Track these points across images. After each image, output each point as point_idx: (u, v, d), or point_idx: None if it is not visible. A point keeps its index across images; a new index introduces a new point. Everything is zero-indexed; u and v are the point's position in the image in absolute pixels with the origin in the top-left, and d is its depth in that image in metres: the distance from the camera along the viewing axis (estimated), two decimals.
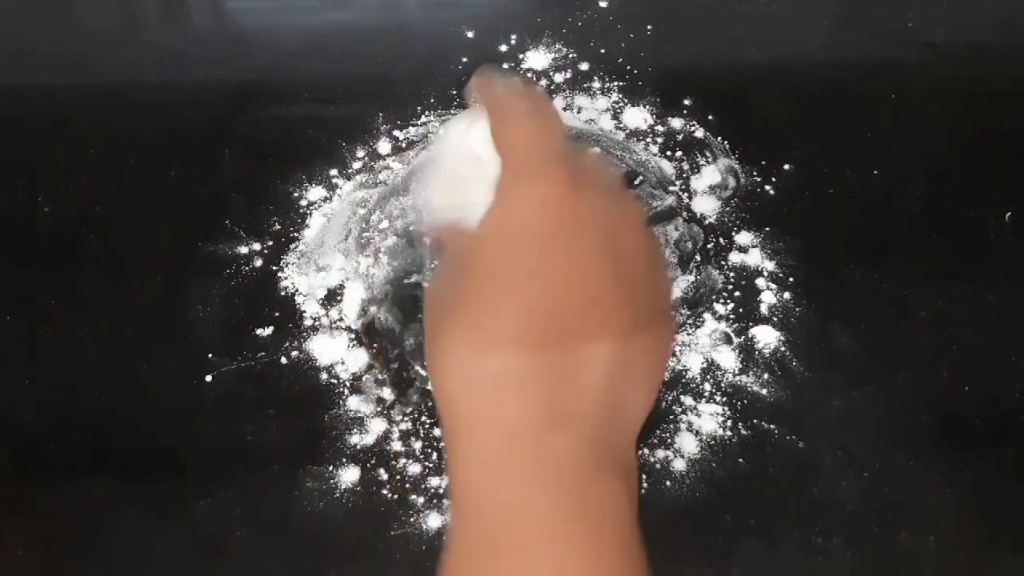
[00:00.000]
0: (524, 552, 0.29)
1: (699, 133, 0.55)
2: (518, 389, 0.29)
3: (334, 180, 0.53)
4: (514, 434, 0.29)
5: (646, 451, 0.43)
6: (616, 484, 0.30)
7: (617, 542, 0.30)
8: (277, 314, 0.48)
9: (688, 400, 0.44)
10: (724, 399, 0.44)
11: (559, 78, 0.58)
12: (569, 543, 0.29)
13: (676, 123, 0.55)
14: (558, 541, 0.29)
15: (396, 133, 0.55)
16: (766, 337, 0.46)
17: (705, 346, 0.46)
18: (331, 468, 0.43)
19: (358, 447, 0.44)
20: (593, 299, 0.30)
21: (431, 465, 0.44)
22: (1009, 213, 0.51)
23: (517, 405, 0.29)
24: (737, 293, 0.48)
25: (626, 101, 0.56)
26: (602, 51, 0.59)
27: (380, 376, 0.46)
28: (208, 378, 0.45)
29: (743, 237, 0.50)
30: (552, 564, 0.29)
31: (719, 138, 0.54)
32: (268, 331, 0.47)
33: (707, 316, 0.47)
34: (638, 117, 0.55)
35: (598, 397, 0.30)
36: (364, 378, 0.46)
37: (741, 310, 0.47)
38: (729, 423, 0.44)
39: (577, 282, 0.30)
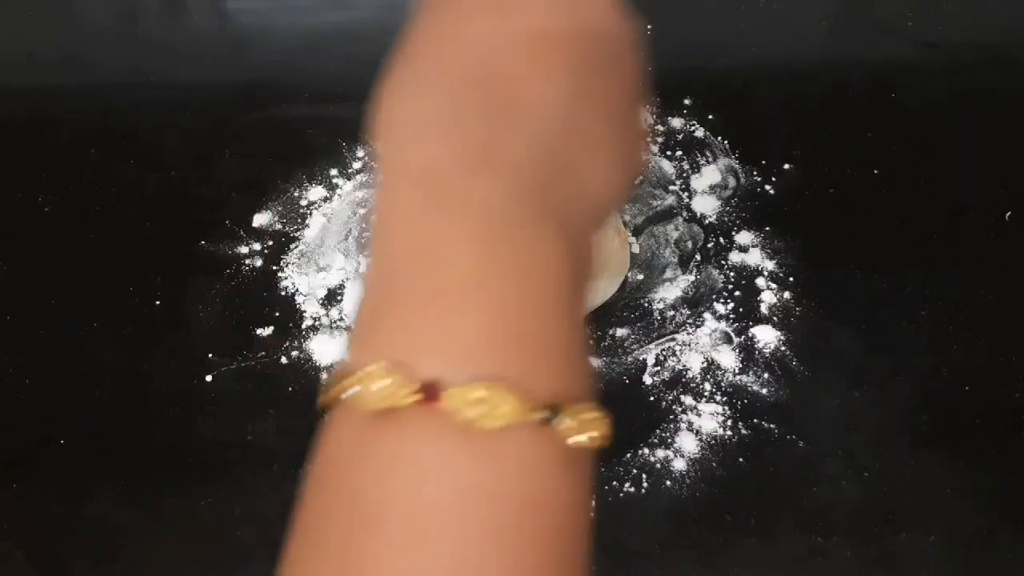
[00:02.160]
0: (438, 307, 0.24)
1: (699, 133, 0.55)
2: (445, 127, 0.26)
3: (334, 180, 0.53)
4: (435, 176, 0.25)
5: (646, 451, 0.43)
6: (558, 247, 0.25)
7: (555, 310, 0.24)
8: (277, 314, 0.48)
9: (688, 400, 0.44)
10: (724, 399, 0.44)
11: None
12: (497, 299, 0.24)
13: (676, 123, 0.55)
14: (482, 296, 0.24)
15: None
16: (766, 337, 0.46)
17: (705, 346, 0.46)
18: None
19: None
20: (541, 33, 0.27)
21: None
22: (1009, 213, 0.51)
23: (442, 145, 0.26)
24: (737, 293, 0.48)
25: None
26: None
27: None
28: (208, 378, 0.45)
29: (743, 237, 0.50)
30: (475, 320, 0.23)
31: (719, 138, 0.54)
32: (268, 331, 0.47)
33: (707, 316, 0.47)
34: None
35: (536, 142, 0.26)
36: None
37: (741, 310, 0.47)
38: (729, 423, 0.44)
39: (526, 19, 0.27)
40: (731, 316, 0.47)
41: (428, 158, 0.26)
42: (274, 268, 0.49)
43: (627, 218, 0.51)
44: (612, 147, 0.29)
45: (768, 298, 0.48)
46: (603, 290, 0.47)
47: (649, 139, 0.33)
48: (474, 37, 0.28)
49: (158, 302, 0.48)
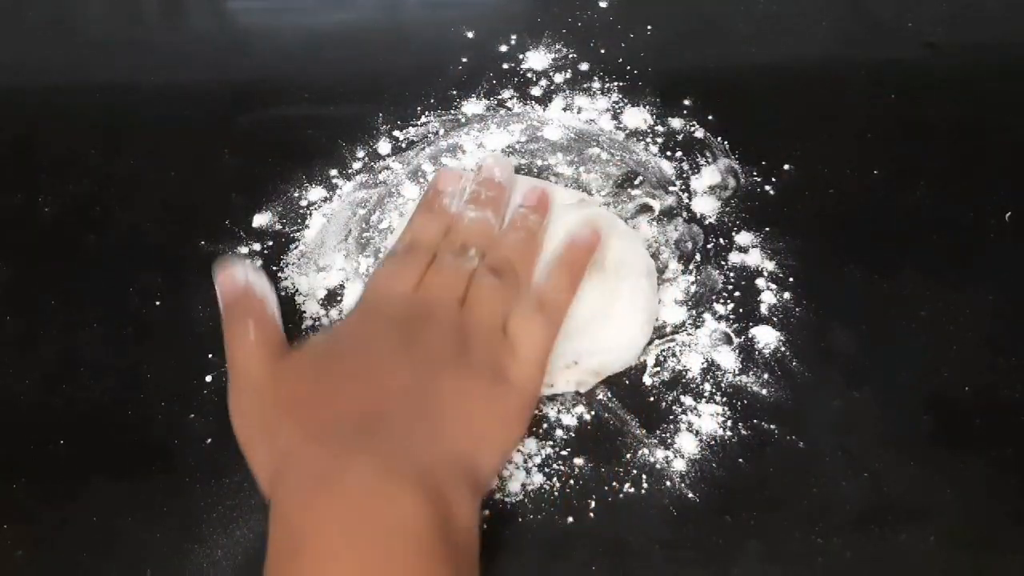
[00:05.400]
0: (312, 566, 0.31)
1: (699, 133, 0.55)
2: (326, 434, 0.35)
3: (334, 180, 0.53)
4: (314, 468, 0.34)
5: (646, 451, 0.43)
6: (421, 510, 0.32)
7: (416, 561, 0.32)
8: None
9: (688, 400, 0.44)
10: (724, 399, 0.44)
11: (559, 78, 0.58)
12: (360, 557, 0.31)
13: (676, 123, 0.55)
14: (350, 553, 0.31)
15: (396, 133, 0.55)
16: (766, 337, 0.46)
17: (705, 346, 0.46)
18: None
19: None
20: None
21: None
22: (1009, 213, 0.51)
23: (321, 444, 0.35)
24: (737, 293, 0.48)
25: (626, 101, 0.56)
26: (602, 51, 0.59)
27: None
28: (208, 378, 0.45)
29: (743, 237, 0.50)
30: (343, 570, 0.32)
31: (719, 138, 0.54)
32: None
33: (707, 316, 0.47)
34: (638, 117, 0.55)
35: (405, 423, 0.36)
36: None
37: (741, 310, 0.47)
38: (729, 423, 0.44)
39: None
40: (731, 316, 0.47)
41: (310, 471, 0.33)
42: (274, 268, 0.49)
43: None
44: (476, 419, 0.37)
45: (768, 298, 0.48)
46: (637, 342, 0.46)
47: (523, 408, 0.39)
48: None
49: (158, 302, 0.48)
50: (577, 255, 0.43)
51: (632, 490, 0.42)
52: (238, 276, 0.41)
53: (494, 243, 0.43)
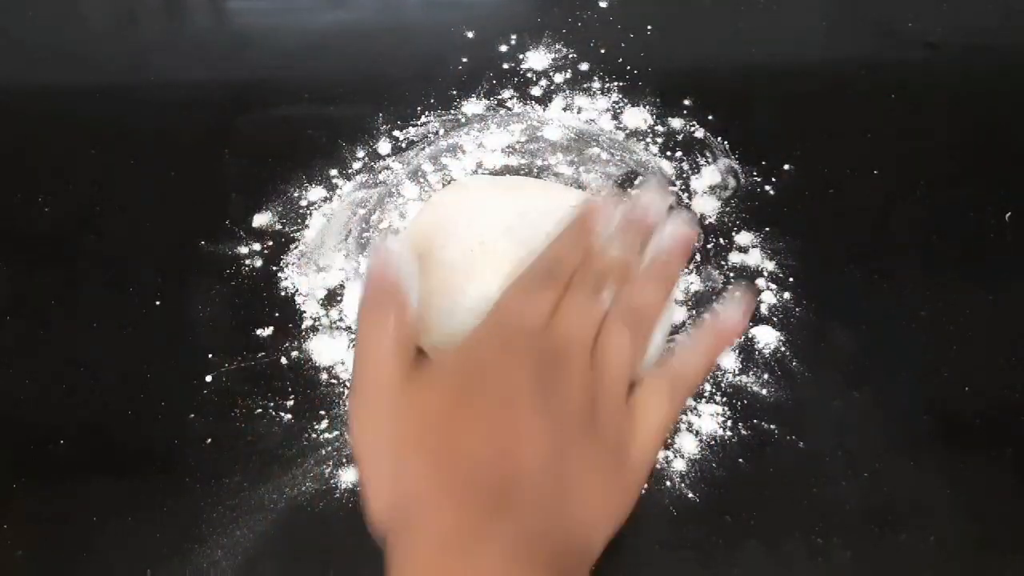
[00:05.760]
0: None
1: (699, 133, 0.55)
2: (456, 499, 0.34)
3: (334, 180, 0.53)
4: (447, 545, 0.32)
5: None
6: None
7: None
8: (277, 314, 0.47)
9: (688, 400, 0.44)
10: (724, 399, 0.44)
11: (559, 78, 0.58)
12: None
13: (676, 123, 0.55)
14: None
15: (396, 133, 0.55)
16: (766, 337, 0.46)
17: None
18: (331, 468, 0.43)
19: None
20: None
21: None
22: (1009, 213, 0.51)
23: (453, 515, 0.33)
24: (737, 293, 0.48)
25: (626, 101, 0.56)
26: (602, 51, 0.59)
27: None
28: (208, 378, 0.45)
29: (743, 237, 0.50)
30: None
31: (719, 138, 0.54)
32: (268, 331, 0.47)
33: (707, 317, 0.47)
34: (638, 117, 0.55)
35: (530, 504, 0.34)
36: None
37: None
38: (729, 423, 0.44)
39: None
40: None
41: (442, 529, 0.32)
42: (274, 268, 0.49)
43: None
44: (598, 496, 0.35)
45: (768, 298, 0.48)
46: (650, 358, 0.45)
47: (638, 484, 0.38)
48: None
49: (158, 302, 0.48)
50: (720, 339, 0.40)
51: None
52: (392, 264, 0.37)
53: (632, 289, 0.40)
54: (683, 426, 0.44)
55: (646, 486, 0.42)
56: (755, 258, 0.49)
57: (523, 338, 0.37)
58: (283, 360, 0.46)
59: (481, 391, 0.36)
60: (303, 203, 0.52)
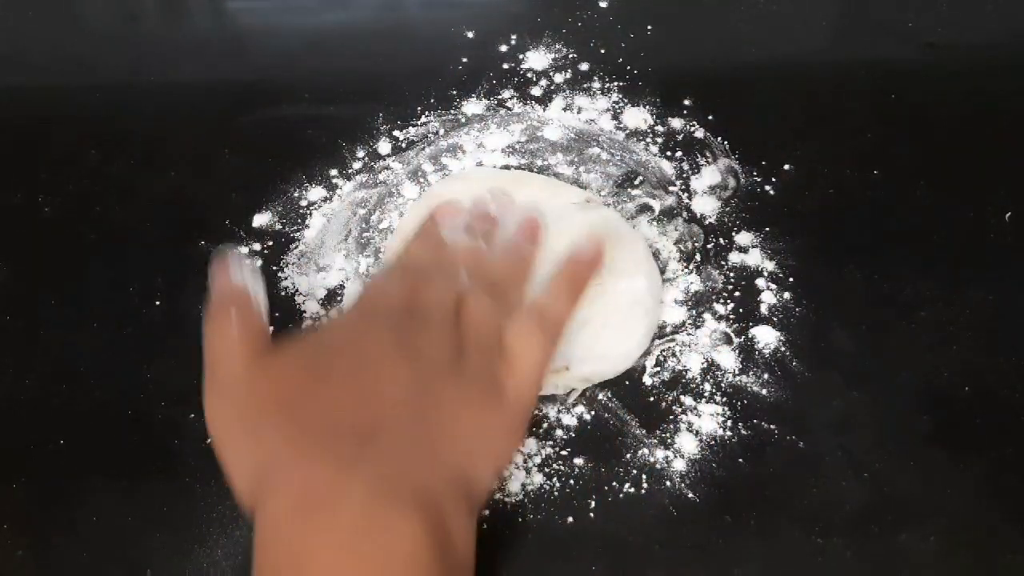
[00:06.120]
0: None
1: (699, 133, 0.55)
2: (321, 447, 0.34)
3: (334, 180, 0.53)
4: (309, 492, 0.33)
5: (646, 451, 0.43)
6: (418, 530, 0.32)
7: None
8: (277, 314, 0.47)
9: (688, 400, 0.44)
10: (724, 399, 0.44)
11: (559, 78, 0.58)
12: None
13: (676, 123, 0.55)
14: None
15: (396, 133, 0.55)
16: (766, 337, 0.46)
17: (705, 346, 0.46)
18: None
19: None
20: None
21: None
22: (1009, 213, 0.51)
23: (316, 462, 0.33)
24: (737, 293, 0.48)
25: (626, 101, 0.56)
26: (602, 51, 0.59)
27: None
28: None
29: (743, 237, 0.50)
30: None
31: (719, 138, 0.54)
32: (268, 331, 0.47)
33: (707, 316, 0.47)
34: (638, 117, 0.55)
35: (399, 438, 0.34)
36: None
37: (741, 310, 0.47)
38: (729, 423, 0.44)
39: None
40: (731, 316, 0.47)
41: (298, 489, 0.33)
42: (274, 268, 0.49)
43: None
44: (471, 431, 0.36)
45: (768, 298, 0.48)
46: (633, 353, 0.46)
47: (519, 421, 0.39)
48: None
49: (158, 302, 0.48)
50: (579, 269, 0.43)
51: (632, 490, 0.42)
52: (231, 270, 0.39)
53: (485, 267, 0.43)
54: (683, 426, 0.44)
55: (645, 486, 0.42)
56: (755, 258, 0.49)
57: (382, 308, 0.39)
58: None
59: (335, 356, 0.37)
60: (303, 203, 0.52)
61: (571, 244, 0.43)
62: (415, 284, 0.40)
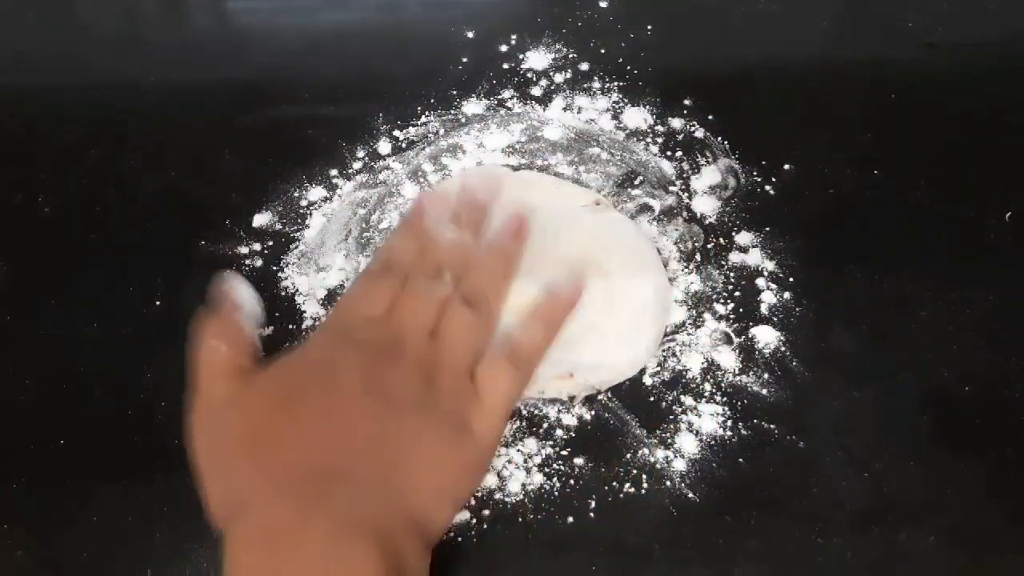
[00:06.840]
0: None
1: (699, 133, 0.55)
2: (281, 489, 0.36)
3: (334, 180, 0.53)
4: (274, 533, 0.34)
5: (646, 451, 0.43)
6: (378, 564, 0.33)
7: None
8: (277, 314, 0.47)
9: (688, 400, 0.44)
10: (724, 399, 0.44)
11: (559, 78, 0.58)
12: None
13: (676, 123, 0.55)
14: None
15: (396, 133, 0.55)
16: (766, 337, 0.46)
17: (705, 346, 0.46)
18: None
19: None
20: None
21: None
22: (1009, 213, 0.51)
23: (279, 505, 0.35)
24: (737, 293, 0.48)
25: (626, 101, 0.56)
26: (602, 51, 0.59)
27: None
28: None
29: (743, 237, 0.50)
30: None
31: (719, 138, 0.54)
32: (268, 331, 0.47)
33: (707, 316, 0.47)
34: (638, 117, 0.55)
35: (361, 485, 0.36)
36: None
37: (741, 310, 0.47)
38: (729, 423, 0.44)
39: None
40: (731, 316, 0.47)
41: (265, 525, 0.34)
42: (274, 268, 0.49)
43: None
44: (434, 469, 0.37)
45: (768, 298, 0.48)
46: (639, 361, 0.46)
47: (484, 457, 0.39)
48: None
49: (158, 302, 0.48)
50: (556, 307, 0.43)
51: (632, 490, 0.42)
52: (227, 292, 0.41)
53: (470, 268, 0.43)
54: (683, 426, 0.44)
55: (646, 486, 0.42)
56: (755, 258, 0.49)
57: (356, 331, 0.40)
58: None
59: (307, 391, 0.38)
60: (303, 203, 0.52)
61: (549, 284, 0.43)
62: (395, 289, 0.41)
